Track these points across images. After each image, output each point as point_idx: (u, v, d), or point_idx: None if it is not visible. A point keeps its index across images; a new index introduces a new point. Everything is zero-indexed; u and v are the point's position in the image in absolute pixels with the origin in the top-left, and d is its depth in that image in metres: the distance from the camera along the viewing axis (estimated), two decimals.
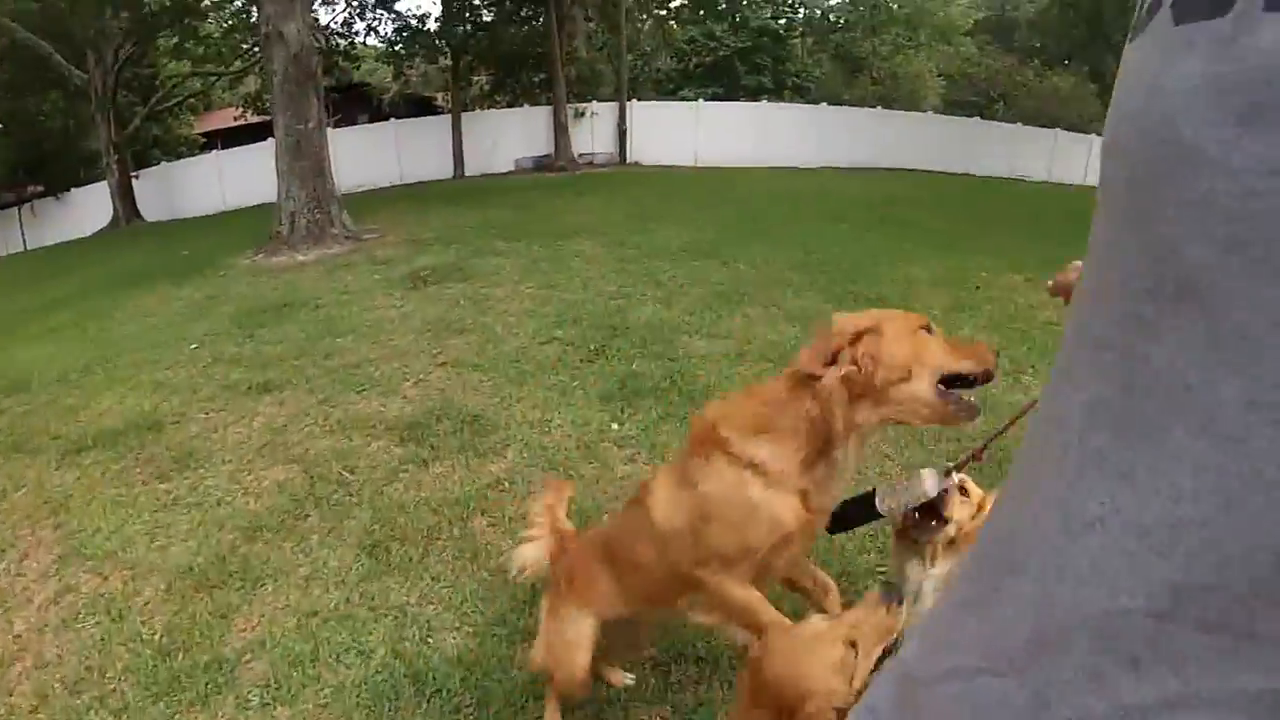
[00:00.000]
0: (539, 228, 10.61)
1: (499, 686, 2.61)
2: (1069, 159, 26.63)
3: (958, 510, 2.00)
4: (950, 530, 1.99)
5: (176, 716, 2.72)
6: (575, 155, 22.76)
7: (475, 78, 26.68)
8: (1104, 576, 0.39)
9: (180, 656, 3.00)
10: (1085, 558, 0.40)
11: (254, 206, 18.95)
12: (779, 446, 1.78)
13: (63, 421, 5.42)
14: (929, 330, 1.77)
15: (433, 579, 3.23)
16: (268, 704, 2.71)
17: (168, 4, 19.88)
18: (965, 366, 1.75)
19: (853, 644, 1.53)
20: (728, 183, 17.22)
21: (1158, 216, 0.37)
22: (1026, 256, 8.62)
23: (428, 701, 2.61)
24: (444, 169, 23.22)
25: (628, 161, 23.59)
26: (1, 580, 3.72)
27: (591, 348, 5.53)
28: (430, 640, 2.91)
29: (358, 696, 2.68)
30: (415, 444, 4.33)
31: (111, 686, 2.93)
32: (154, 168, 25.35)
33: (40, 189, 26.60)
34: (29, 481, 4.61)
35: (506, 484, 3.91)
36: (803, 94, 30.35)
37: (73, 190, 25.68)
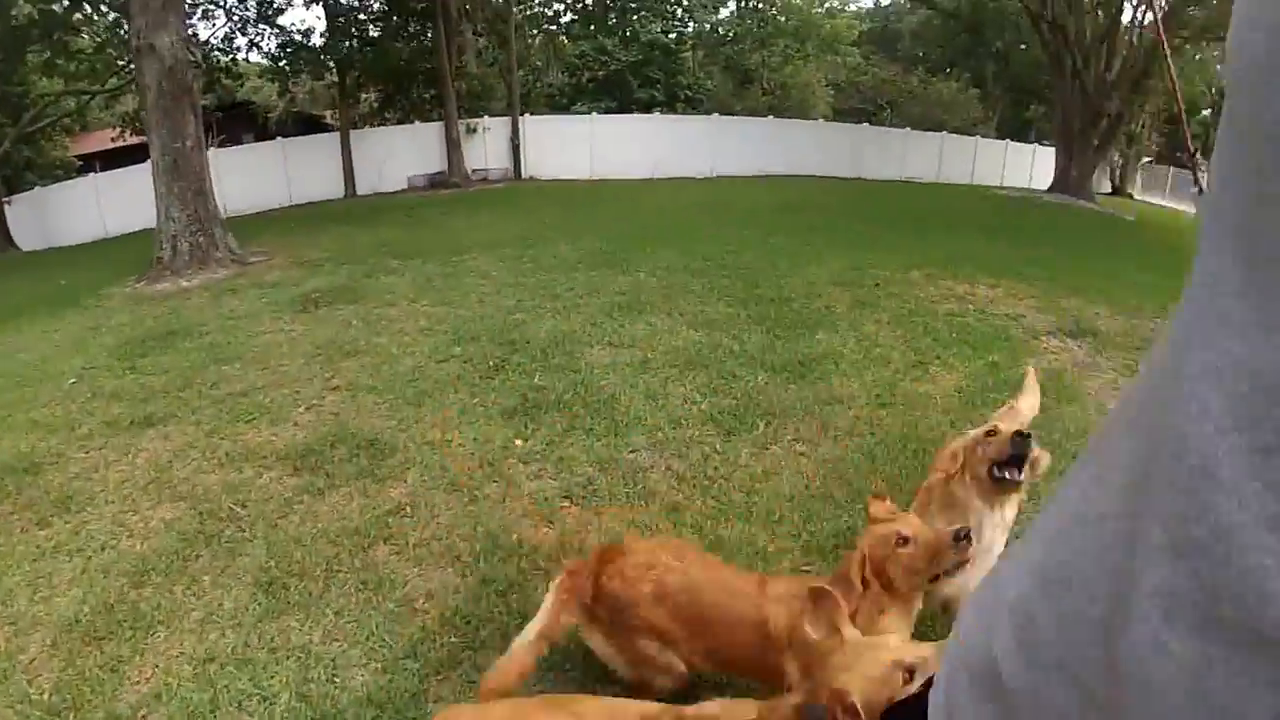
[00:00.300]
0: (433, 245, 10.46)
1: None
2: (955, 160, 28.18)
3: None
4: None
5: None
6: (469, 171, 22.55)
7: (364, 94, 26.17)
8: (1211, 415, 0.43)
9: (71, 716, 2.81)
10: (1194, 401, 0.44)
11: (136, 232, 18.15)
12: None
13: None
14: (904, 541, 2.13)
15: (335, 614, 3.11)
16: None
17: (35, 17, 18.81)
18: (939, 566, 2.12)
19: (909, 670, 1.49)
20: (625, 194, 17.32)
21: (1272, 103, 0.41)
22: (923, 253, 8.93)
23: None
24: (335, 188, 22.68)
25: (523, 176, 23.49)
26: None
27: (491, 364, 5.47)
28: (337, 680, 2.79)
29: None
30: (310, 473, 4.19)
31: None
32: (27, 192, 23.73)
33: None
34: None
35: (408, 509, 3.81)
36: (695, 106, 30.83)
37: None
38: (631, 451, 4.22)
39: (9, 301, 11.17)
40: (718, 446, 4.19)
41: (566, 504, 3.81)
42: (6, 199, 21.88)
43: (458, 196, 18.89)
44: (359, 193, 22.65)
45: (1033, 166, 29.87)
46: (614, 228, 11.48)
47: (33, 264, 16.92)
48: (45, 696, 2.92)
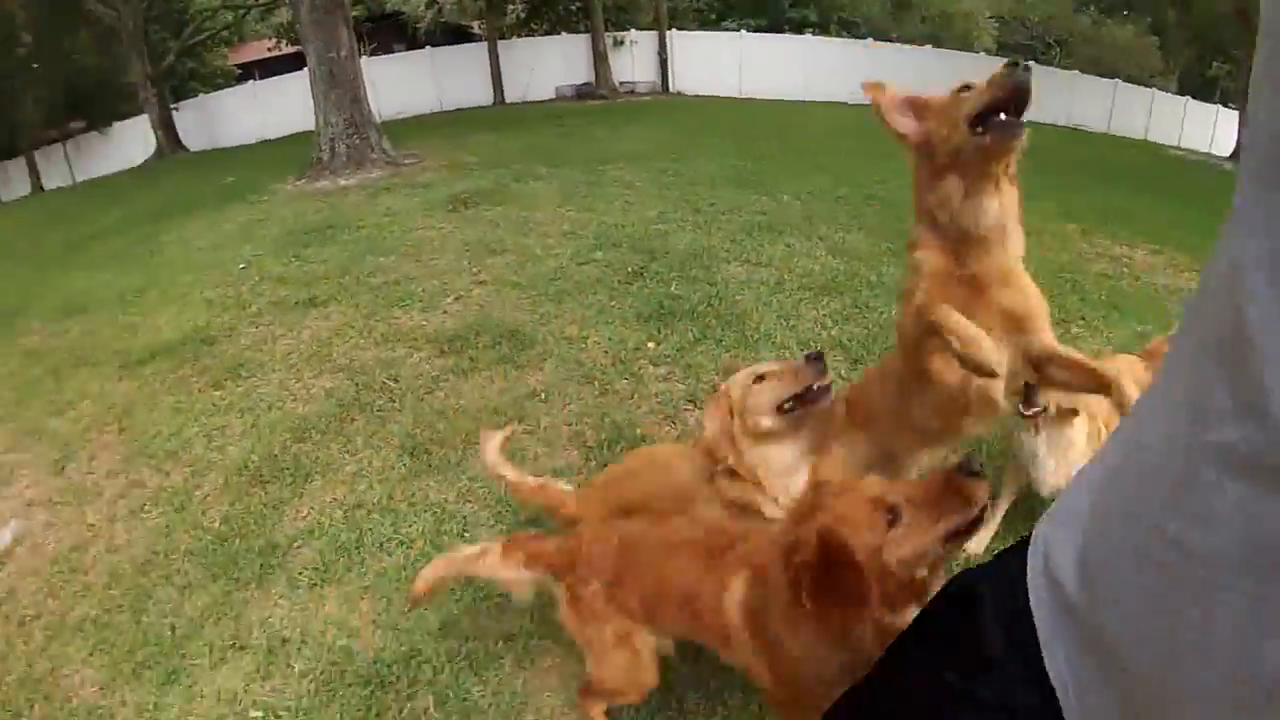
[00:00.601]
0: (580, 154, 10.61)
1: None
2: (1128, 112, 25.85)
3: None
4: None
5: (234, 593, 3.01)
6: (616, 84, 22.56)
7: (510, 6, 26.37)
8: (1259, 299, 0.52)
9: (237, 542, 3.29)
10: (1247, 285, 0.53)
11: (294, 135, 19.13)
12: None
13: (122, 338, 5.75)
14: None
15: (470, 480, 3.44)
16: (315, 585, 2.99)
17: None
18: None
19: (890, 508, 1.44)
20: (773, 115, 16.97)
21: None
22: (1082, 207, 8.36)
23: (462, 590, 2.83)
24: (483, 96, 23.15)
25: (670, 91, 23.30)
26: (74, 477, 4.05)
27: (630, 270, 5.61)
28: (466, 535, 3.13)
29: (397, 582, 2.93)
30: (455, 355, 4.52)
31: (176, 567, 3.23)
32: (192, 99, 25.71)
33: (83, 124, 27.34)
34: (94, 392, 4.94)
35: (543, 395, 4.07)
36: (850, 29, 29.64)
37: (115, 124, 26.40)
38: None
39: (182, 196, 12.17)
40: (843, 373, 4.16)
41: (690, 407, 3.96)
42: (174, 105, 23.91)
43: (604, 108, 18.96)
44: (507, 101, 23.03)
45: (1215, 129, 27.21)
46: (760, 147, 11.31)
47: (201, 164, 18.17)
48: (216, 525, 3.43)
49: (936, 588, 1.42)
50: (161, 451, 4.07)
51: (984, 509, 1.46)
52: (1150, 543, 0.64)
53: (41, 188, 26.38)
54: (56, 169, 27.35)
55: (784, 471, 2.27)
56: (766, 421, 2.23)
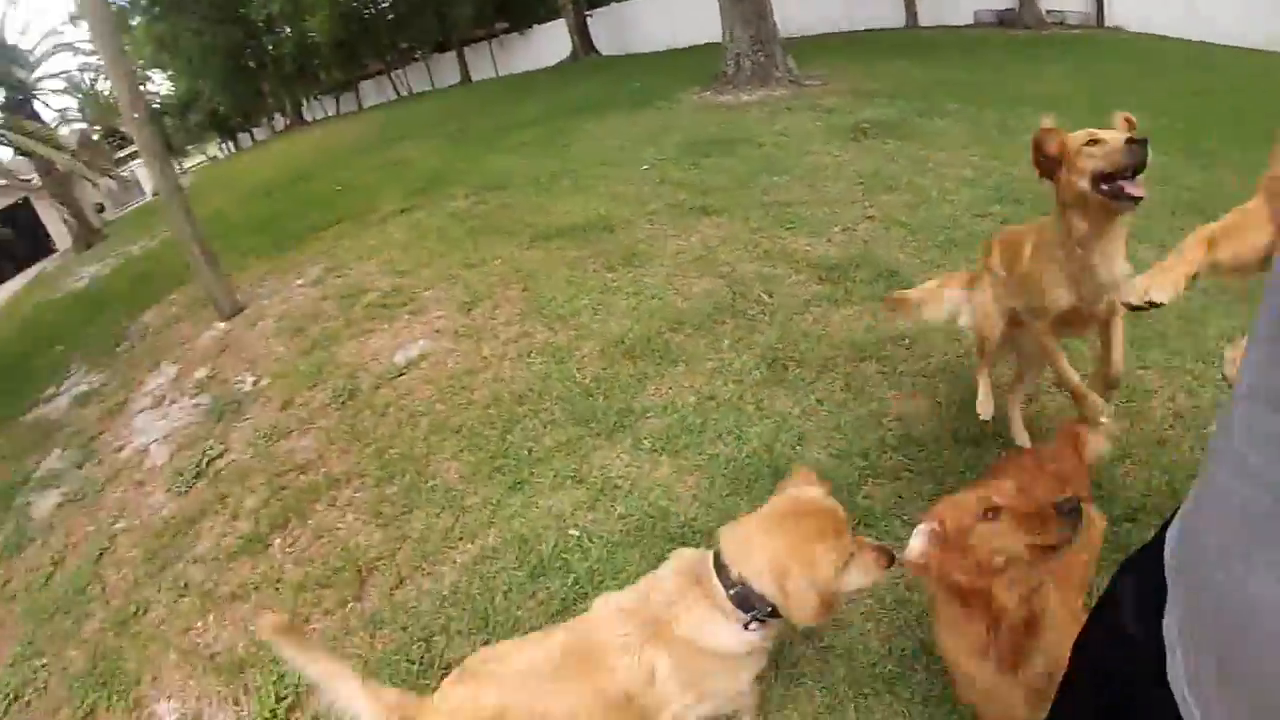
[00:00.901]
0: (993, 92, 10.05)
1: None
2: None
3: None
4: None
5: (585, 439, 3.82)
6: (1043, 11, 20.81)
7: None
8: None
9: (600, 400, 4.09)
10: None
11: (701, 45, 20.33)
12: None
13: (532, 215, 6.97)
14: None
15: (816, 401, 3.83)
16: (656, 451, 3.65)
17: None
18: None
19: (992, 509, 1.72)
20: (1226, 65, 14.08)
21: None
22: None
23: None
24: (894, 18, 22.22)
25: (1106, 24, 20.92)
26: (477, 319, 5.21)
27: None
28: (798, 449, 3.54)
29: (725, 468, 3.47)
30: (831, 284, 4.89)
31: (545, 406, 4.16)
32: (606, 7, 28.54)
33: (506, 26, 33.04)
34: (504, 255, 6.16)
35: (907, 341, 4.22)
36: None
37: (534, 27, 30.97)
38: (1142, 368, 3.85)
39: (593, 97, 13.72)
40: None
41: (1050, 390, 3.76)
42: (589, 12, 27.28)
43: (1028, 39, 17.39)
44: (920, 24, 22.18)
45: None
46: (1201, 105, 9.72)
47: (612, 68, 20.02)
48: (586, 381, 4.28)
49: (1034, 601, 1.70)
50: (553, 314, 5.03)
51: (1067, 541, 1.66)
52: (1241, 482, 0.72)
53: (469, 79, 31.98)
54: (482, 64, 32.95)
55: (1083, 242, 2.41)
56: (1083, 184, 2.30)
